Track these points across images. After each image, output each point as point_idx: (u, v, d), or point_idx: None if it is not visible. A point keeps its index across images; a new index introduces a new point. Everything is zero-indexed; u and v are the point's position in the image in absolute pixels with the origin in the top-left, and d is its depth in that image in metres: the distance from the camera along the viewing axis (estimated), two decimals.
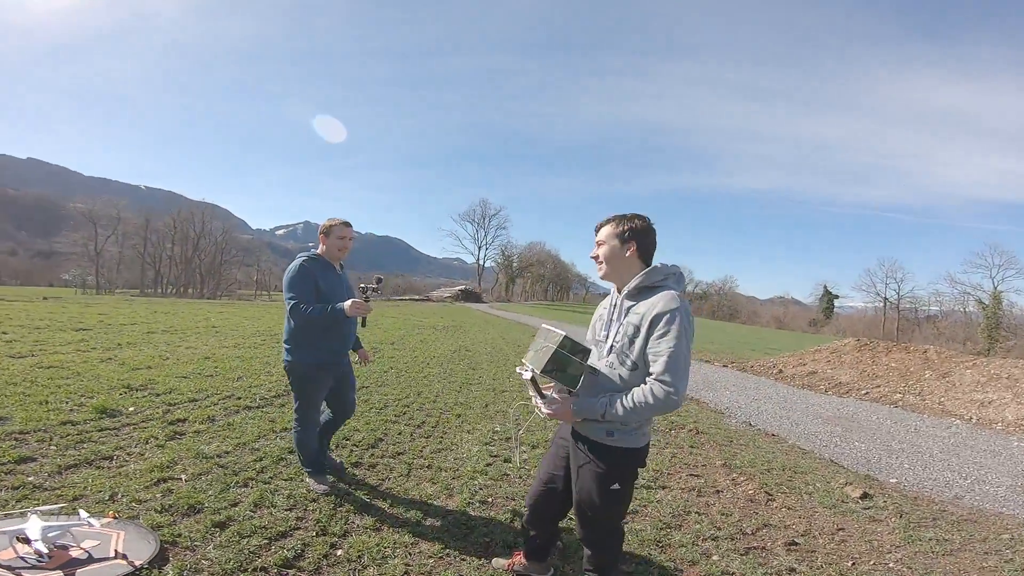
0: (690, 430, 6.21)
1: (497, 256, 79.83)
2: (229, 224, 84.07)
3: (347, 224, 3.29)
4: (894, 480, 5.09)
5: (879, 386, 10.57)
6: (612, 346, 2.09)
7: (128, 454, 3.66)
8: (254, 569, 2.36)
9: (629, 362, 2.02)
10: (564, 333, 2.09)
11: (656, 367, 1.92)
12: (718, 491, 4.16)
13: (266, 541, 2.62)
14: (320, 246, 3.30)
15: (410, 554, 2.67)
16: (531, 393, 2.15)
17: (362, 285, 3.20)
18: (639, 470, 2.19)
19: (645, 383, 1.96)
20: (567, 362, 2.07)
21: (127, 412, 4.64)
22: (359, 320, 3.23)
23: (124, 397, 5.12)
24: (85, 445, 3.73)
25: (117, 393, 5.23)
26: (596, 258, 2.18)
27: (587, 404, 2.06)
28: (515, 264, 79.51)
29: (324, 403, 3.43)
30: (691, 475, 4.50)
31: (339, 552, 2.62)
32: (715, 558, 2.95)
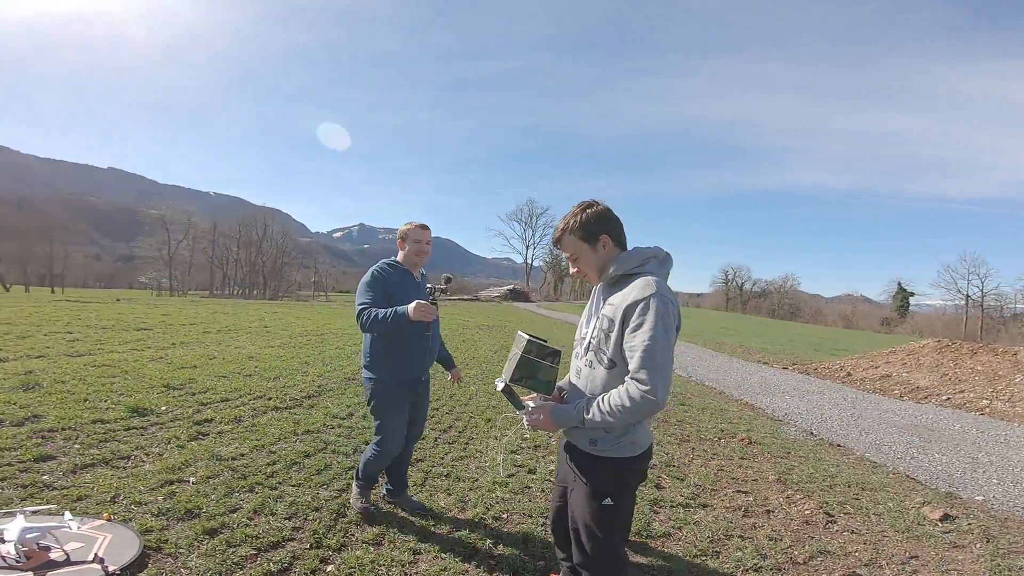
0: (742, 439, 5.70)
1: (545, 255, 79.34)
2: (289, 228, 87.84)
3: (424, 227, 3.01)
4: (980, 498, 4.43)
5: (963, 391, 9.51)
6: (589, 343, 1.87)
7: (146, 454, 3.64)
8: None
9: (606, 360, 1.79)
10: (529, 337, 1.92)
11: (631, 364, 1.69)
12: (768, 511, 3.70)
13: (254, 551, 2.46)
14: (399, 252, 3.05)
15: (405, 574, 2.44)
16: (511, 404, 1.96)
17: (430, 285, 2.88)
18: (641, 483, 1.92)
19: (623, 383, 1.72)
20: (536, 367, 1.91)
21: (159, 411, 4.68)
22: (427, 327, 2.84)
23: (160, 396, 5.19)
24: (108, 444, 3.74)
25: (155, 392, 5.32)
26: (578, 272, 1.94)
27: (564, 411, 1.84)
28: (563, 263, 78.75)
29: None
30: (738, 491, 4.05)
31: (329, 568, 2.42)
32: None
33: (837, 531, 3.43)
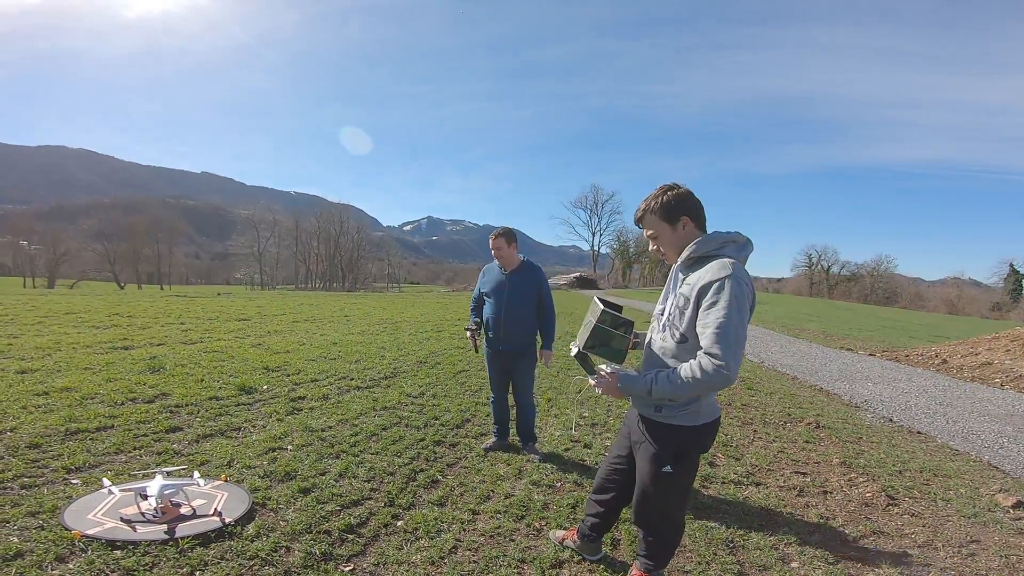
0: (809, 423, 5.59)
1: (612, 242, 77.92)
2: (363, 223, 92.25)
3: (494, 235, 4.00)
4: None
5: None
6: (665, 319, 2.02)
7: (253, 426, 4.23)
8: (319, 531, 2.62)
9: (678, 334, 1.93)
10: (603, 307, 2.05)
11: (705, 340, 1.80)
12: (826, 492, 3.71)
13: (339, 508, 2.87)
14: None
15: (464, 530, 2.77)
16: (583, 370, 2.13)
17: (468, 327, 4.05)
18: (703, 455, 2.08)
19: (695, 357, 1.84)
20: (609, 336, 2.04)
21: (261, 390, 5.35)
22: (502, 313, 3.96)
23: (262, 377, 5.90)
24: (222, 418, 4.37)
25: (257, 374, 6.04)
26: (658, 250, 2.08)
27: (633, 379, 1.99)
28: (632, 249, 76.94)
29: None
30: (796, 472, 4.06)
31: (399, 523, 2.80)
32: (794, 564, 2.63)
33: (897, 514, 3.39)
